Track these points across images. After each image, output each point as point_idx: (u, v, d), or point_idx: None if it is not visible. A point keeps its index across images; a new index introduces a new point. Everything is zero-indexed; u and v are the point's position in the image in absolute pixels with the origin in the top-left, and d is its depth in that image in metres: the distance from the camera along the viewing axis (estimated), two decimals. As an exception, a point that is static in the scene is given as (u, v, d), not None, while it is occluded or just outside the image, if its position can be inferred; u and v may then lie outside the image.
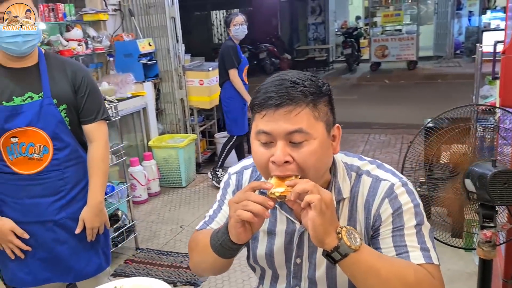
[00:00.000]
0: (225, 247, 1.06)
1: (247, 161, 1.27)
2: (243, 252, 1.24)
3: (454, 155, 3.07)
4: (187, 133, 5.08)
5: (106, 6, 4.63)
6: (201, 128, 5.35)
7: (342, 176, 1.13)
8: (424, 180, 3.17)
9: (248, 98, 4.37)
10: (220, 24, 14.28)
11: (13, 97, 1.72)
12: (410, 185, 1.10)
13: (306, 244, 1.15)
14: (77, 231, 1.88)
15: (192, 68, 5.14)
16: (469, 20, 12.36)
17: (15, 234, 1.80)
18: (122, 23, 4.92)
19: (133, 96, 4.44)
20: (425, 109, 6.94)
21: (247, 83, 4.50)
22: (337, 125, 1.09)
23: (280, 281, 1.23)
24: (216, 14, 14.21)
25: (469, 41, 11.94)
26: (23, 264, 1.85)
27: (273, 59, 12.32)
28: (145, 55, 4.68)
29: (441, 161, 3.18)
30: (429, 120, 3.12)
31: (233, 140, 4.62)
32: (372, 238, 1.10)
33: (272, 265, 1.21)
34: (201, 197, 4.47)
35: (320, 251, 1.04)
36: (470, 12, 12.31)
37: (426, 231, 1.07)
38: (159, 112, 5.08)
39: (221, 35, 14.32)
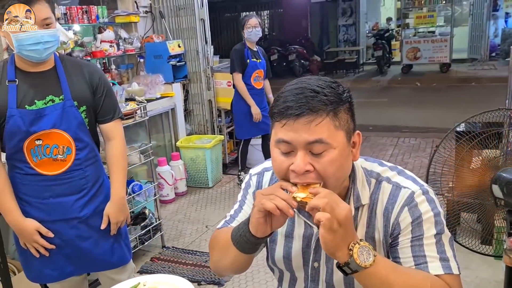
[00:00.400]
0: (244, 238, 1.06)
1: (268, 163, 1.27)
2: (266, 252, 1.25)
3: (484, 160, 3.00)
4: (214, 134, 5.13)
5: (137, 8, 4.72)
6: (228, 129, 5.38)
7: (361, 182, 1.12)
8: (452, 185, 3.11)
9: (251, 103, 4.38)
10: (250, 26, 14.34)
11: (35, 100, 1.76)
12: (432, 193, 1.08)
13: None
14: (103, 226, 1.94)
15: (221, 69, 5.18)
16: (506, 22, 12.01)
17: (40, 234, 1.85)
18: (152, 25, 5.01)
19: (162, 97, 4.51)
20: (458, 113, 6.78)
21: (256, 87, 4.45)
22: (357, 131, 1.08)
23: (298, 283, 1.23)
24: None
25: (506, 44, 11.58)
26: (49, 261, 1.90)
27: (302, 61, 12.29)
28: (174, 56, 4.75)
29: (471, 166, 3.12)
30: (457, 124, 3.05)
31: (241, 144, 4.68)
32: (390, 246, 1.09)
33: (290, 268, 1.22)
34: (227, 197, 4.50)
35: None
36: (507, 13, 11.96)
37: (446, 240, 1.06)
38: (187, 112, 5.15)
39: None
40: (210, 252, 1.27)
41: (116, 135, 1.98)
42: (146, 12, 4.90)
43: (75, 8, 4.08)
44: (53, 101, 1.78)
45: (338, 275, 1.14)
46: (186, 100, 5.11)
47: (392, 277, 0.97)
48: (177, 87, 4.77)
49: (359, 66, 12.70)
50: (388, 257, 1.09)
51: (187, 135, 5.01)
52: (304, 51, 12.31)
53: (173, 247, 3.55)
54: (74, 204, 1.87)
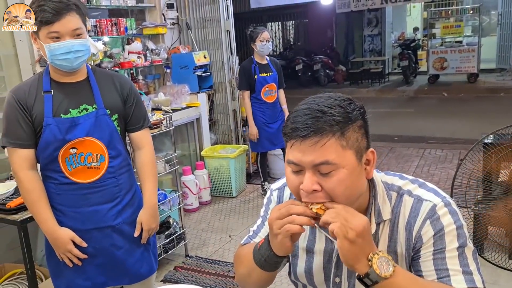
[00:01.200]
0: (270, 262, 1.09)
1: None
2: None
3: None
4: (238, 144, 5.16)
5: (165, 20, 4.82)
6: (253, 139, 5.41)
7: (382, 197, 1.11)
8: (480, 198, 3.06)
9: (251, 123, 4.43)
10: (276, 36, 14.41)
11: (70, 109, 1.82)
12: (454, 205, 1.07)
13: None
14: (136, 234, 1.98)
15: (246, 80, 5.22)
16: (536, 31, 11.75)
17: (74, 243, 1.88)
18: (179, 36, 5.10)
19: (187, 107, 4.58)
20: (486, 124, 6.64)
21: (268, 101, 4.44)
22: (371, 149, 1.06)
23: None
24: (272, 26, 14.35)
25: (535, 54, 11.37)
26: (81, 271, 1.93)
27: (327, 71, 12.28)
28: (200, 67, 4.82)
29: (499, 179, 3.06)
30: (484, 135, 3.00)
31: (258, 156, 4.69)
32: (412, 260, 1.08)
33: (312, 283, 1.22)
34: (251, 207, 4.51)
35: None
36: (537, 23, 11.70)
37: (470, 252, 1.04)
38: (212, 122, 5.20)
39: (275, 46, 14.44)
40: (234, 267, 1.29)
41: (146, 144, 2.03)
42: (173, 23, 4.99)
43: (105, 21, 4.20)
44: (86, 109, 1.84)
45: None
46: (211, 110, 5.17)
47: None
48: (202, 97, 4.84)
49: (384, 76, 12.60)
50: (410, 271, 1.08)
51: (211, 145, 5.06)
52: (329, 61, 12.30)
53: (196, 256, 3.58)
54: (108, 212, 1.90)
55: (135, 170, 2.07)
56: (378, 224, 1.10)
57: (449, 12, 12.11)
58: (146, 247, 2.05)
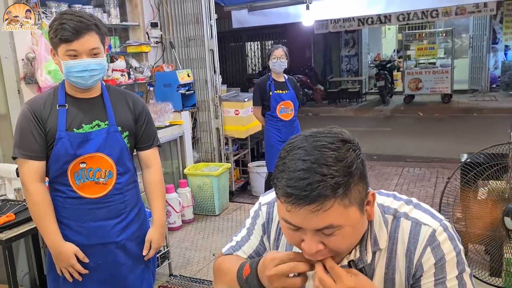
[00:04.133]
0: None
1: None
2: None
3: (493, 191, 3.04)
4: (221, 162, 5.17)
5: (148, 38, 4.84)
6: (235, 157, 5.43)
7: (378, 223, 1.06)
8: (460, 216, 3.14)
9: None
10: (255, 55, 14.56)
11: (83, 124, 1.84)
12: (451, 228, 1.06)
13: None
14: (145, 252, 1.99)
15: (228, 98, 5.27)
16: (506, 54, 12.18)
17: (76, 258, 1.88)
18: (162, 55, 5.12)
19: (171, 125, 4.59)
20: (461, 143, 6.85)
21: (283, 119, 4.38)
22: (371, 192, 1.01)
23: None
24: (251, 45, 14.51)
25: (506, 75, 11.77)
26: (81, 286, 1.92)
27: (306, 90, 12.43)
28: (183, 85, 4.84)
29: (478, 197, 3.15)
30: (467, 156, 3.11)
31: (267, 176, 4.62)
32: None
33: None
34: (234, 225, 4.51)
35: None
36: (506, 46, 12.14)
37: (467, 277, 1.04)
38: (195, 140, 5.21)
39: (255, 65, 14.57)
40: (214, 279, 1.25)
41: (155, 162, 2.06)
42: (157, 42, 5.02)
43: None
44: (98, 125, 1.86)
45: None
46: (194, 128, 5.18)
47: None
48: (185, 115, 4.85)
49: (361, 95, 12.84)
50: None
51: (194, 163, 5.05)
52: (308, 80, 12.47)
53: (180, 275, 3.55)
54: (112, 228, 1.91)
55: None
56: (374, 253, 1.06)
57: (423, 35, 12.49)
58: (147, 264, 2.06)
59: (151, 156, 2.05)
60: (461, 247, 1.05)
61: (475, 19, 12.37)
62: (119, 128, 1.89)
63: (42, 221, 1.83)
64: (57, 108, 1.83)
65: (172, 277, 3.51)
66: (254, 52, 14.56)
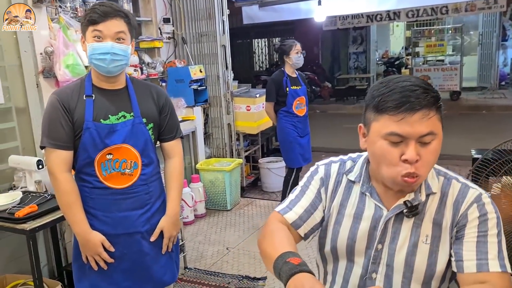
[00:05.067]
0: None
1: (334, 157, 1.39)
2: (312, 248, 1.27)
3: (505, 187, 3.04)
4: (232, 157, 5.20)
5: (161, 34, 4.87)
6: (246, 153, 5.46)
7: (431, 175, 1.22)
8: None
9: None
10: (262, 52, 14.57)
11: (109, 115, 1.87)
12: (492, 201, 1.20)
13: (390, 230, 1.23)
14: (152, 238, 2.00)
15: (240, 94, 5.29)
16: (515, 51, 12.16)
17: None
18: (174, 50, 5.15)
19: (183, 120, 4.61)
20: (472, 140, 6.83)
21: (299, 114, 4.34)
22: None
23: (355, 270, 1.28)
24: (258, 42, 14.51)
25: (515, 73, 11.75)
26: (106, 275, 1.95)
27: (313, 87, 12.43)
28: (196, 81, 4.87)
29: (491, 193, 3.16)
30: (475, 152, 3.12)
31: (293, 173, 4.43)
32: (456, 239, 1.19)
33: (351, 251, 1.27)
34: (246, 220, 4.54)
35: (402, 237, 1.20)
36: (515, 43, 12.12)
37: (504, 242, 1.16)
38: (206, 136, 5.24)
39: (262, 62, 14.58)
40: (261, 236, 1.29)
41: (177, 153, 2.09)
42: (169, 38, 5.05)
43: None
44: (124, 117, 1.89)
45: (400, 257, 1.21)
46: (206, 123, 5.21)
47: None
48: (198, 111, 4.88)
49: (369, 93, 12.81)
50: (451, 246, 1.19)
51: (206, 158, 5.08)
52: (315, 77, 12.47)
53: (195, 268, 3.59)
54: (138, 218, 1.94)
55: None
56: (427, 195, 1.21)
57: (432, 32, 12.44)
58: (170, 255, 2.09)
59: (174, 147, 2.08)
60: (499, 215, 1.18)
61: (484, 16, 12.30)
62: (144, 120, 1.92)
63: (71, 210, 1.86)
64: (84, 98, 1.86)
65: (187, 270, 3.54)
66: (262, 49, 14.57)
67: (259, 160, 5.57)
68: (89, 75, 1.92)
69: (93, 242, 1.88)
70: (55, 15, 3.26)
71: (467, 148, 4.28)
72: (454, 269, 1.17)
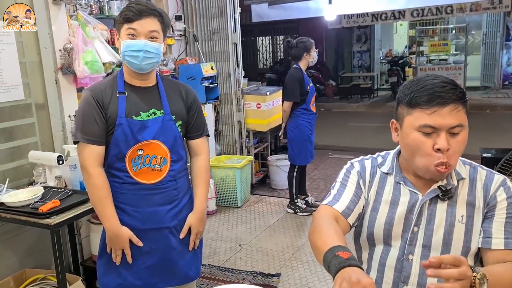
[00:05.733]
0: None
1: (364, 156, 1.49)
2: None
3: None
4: (242, 155, 5.23)
5: (172, 31, 4.89)
6: (255, 150, 5.48)
7: (458, 164, 1.34)
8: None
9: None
10: (266, 50, 14.57)
11: (141, 112, 1.90)
12: None
13: (426, 213, 1.32)
14: (182, 236, 2.03)
15: (250, 91, 5.31)
16: (519, 51, 12.19)
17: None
18: (186, 48, 5.17)
19: (195, 117, 4.62)
20: (478, 140, 6.83)
21: (314, 111, 4.44)
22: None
23: (391, 254, 1.35)
24: (262, 40, 14.52)
25: (518, 73, 11.77)
26: (133, 270, 1.99)
27: (318, 85, 12.43)
28: (207, 78, 4.89)
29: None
30: (482, 151, 3.19)
31: (295, 170, 4.53)
32: (486, 218, 1.30)
33: (388, 235, 1.35)
34: (257, 217, 4.57)
35: (438, 218, 1.30)
36: (519, 43, 12.15)
37: None
38: (217, 133, 5.26)
39: (266, 60, 14.59)
40: (311, 226, 1.34)
41: (203, 151, 2.11)
42: (181, 35, 5.06)
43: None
44: (155, 114, 1.92)
45: (437, 236, 1.30)
46: (216, 120, 5.23)
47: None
48: (209, 108, 4.90)
49: (373, 91, 12.84)
50: (483, 222, 1.30)
51: (216, 155, 5.11)
52: (320, 75, 12.48)
53: (209, 264, 3.61)
54: (166, 214, 1.97)
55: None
56: (458, 181, 1.33)
57: (436, 31, 12.45)
58: (195, 251, 2.12)
59: (200, 144, 2.10)
60: None
61: (488, 16, 12.32)
62: (173, 117, 1.96)
63: (102, 204, 1.89)
64: (117, 95, 1.89)
65: (201, 266, 3.56)
66: (266, 47, 14.58)
67: (268, 158, 5.60)
68: (121, 72, 1.95)
69: (121, 238, 1.91)
70: (73, 12, 3.28)
71: (474, 147, 4.29)
72: (481, 245, 1.28)
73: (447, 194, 1.29)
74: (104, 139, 1.88)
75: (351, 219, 1.38)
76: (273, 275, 3.37)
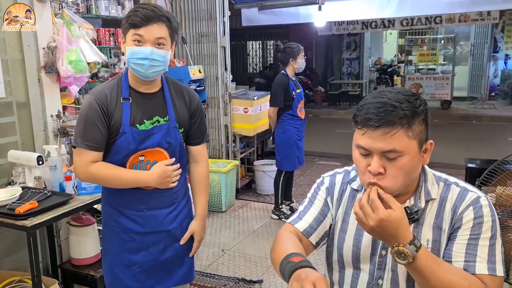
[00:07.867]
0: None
1: (339, 169, 1.44)
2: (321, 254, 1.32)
3: (500, 197, 3.09)
4: (228, 159, 5.19)
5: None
6: (242, 155, 5.45)
7: (431, 182, 1.26)
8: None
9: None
10: (256, 55, 14.57)
11: (144, 120, 1.85)
12: (491, 203, 1.21)
13: None
14: (182, 242, 2.01)
15: (237, 96, 5.29)
16: (505, 63, 12.30)
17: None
18: (174, 50, 5.12)
19: (181, 120, 4.58)
20: (463, 150, 6.91)
21: (301, 117, 4.41)
22: (430, 141, 1.22)
23: (361, 278, 1.31)
24: (252, 45, 14.52)
25: (505, 84, 11.89)
26: (130, 272, 1.96)
27: (306, 91, 12.46)
28: (195, 81, 4.86)
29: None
30: (467, 161, 3.17)
31: (282, 175, 4.53)
32: (449, 240, 1.22)
33: (357, 258, 1.30)
34: (241, 222, 4.54)
35: None
36: (506, 55, 12.27)
37: (498, 246, 1.18)
38: (203, 136, 5.21)
39: (256, 65, 14.58)
40: (273, 245, 1.33)
41: (204, 158, 2.09)
42: (169, 37, 5.02)
43: (103, 30, 4.20)
44: (158, 121, 1.88)
45: None
46: (202, 124, 5.18)
47: (435, 272, 1.11)
48: (195, 111, 4.85)
49: (362, 98, 12.79)
50: (446, 245, 1.22)
51: (202, 159, 5.05)
52: (309, 81, 12.51)
53: (190, 269, 3.56)
54: (166, 217, 1.95)
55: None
56: (427, 202, 1.25)
57: (425, 41, 12.57)
58: (189, 255, 2.10)
59: (200, 151, 2.06)
60: (497, 218, 1.20)
61: (477, 27, 12.48)
62: (177, 125, 1.92)
63: (123, 174, 1.85)
64: (122, 101, 1.83)
65: (182, 271, 3.52)
66: (256, 52, 14.58)
67: (254, 163, 5.57)
68: (125, 75, 1.88)
69: (159, 174, 1.85)
70: (59, 10, 3.23)
71: (458, 157, 4.31)
72: None
73: (411, 217, 1.21)
74: (104, 145, 1.84)
75: (314, 239, 1.35)
76: (255, 282, 3.34)
